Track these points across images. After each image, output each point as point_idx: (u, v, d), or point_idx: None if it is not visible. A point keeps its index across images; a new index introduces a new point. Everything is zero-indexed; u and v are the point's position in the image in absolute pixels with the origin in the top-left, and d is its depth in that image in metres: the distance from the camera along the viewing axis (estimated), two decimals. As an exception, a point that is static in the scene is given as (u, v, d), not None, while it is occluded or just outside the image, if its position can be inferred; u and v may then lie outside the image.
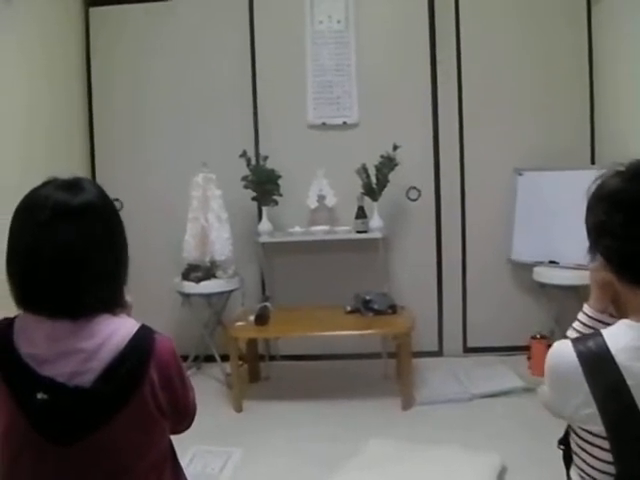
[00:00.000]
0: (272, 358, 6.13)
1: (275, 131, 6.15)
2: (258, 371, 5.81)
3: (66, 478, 1.77)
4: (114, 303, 1.89)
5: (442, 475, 3.95)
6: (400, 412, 5.06)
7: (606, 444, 1.73)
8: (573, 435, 1.91)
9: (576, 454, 1.91)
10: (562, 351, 1.80)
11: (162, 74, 6.25)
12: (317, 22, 6.12)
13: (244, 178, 5.78)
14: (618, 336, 1.75)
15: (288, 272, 6.20)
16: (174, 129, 6.23)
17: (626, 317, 1.81)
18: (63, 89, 5.93)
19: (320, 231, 5.88)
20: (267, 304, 5.33)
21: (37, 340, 1.78)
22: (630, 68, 5.22)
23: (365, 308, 5.41)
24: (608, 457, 1.74)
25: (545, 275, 5.69)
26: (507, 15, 6.00)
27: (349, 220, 5.92)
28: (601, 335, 1.77)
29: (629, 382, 1.68)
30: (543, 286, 5.79)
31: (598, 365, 1.72)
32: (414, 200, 6.10)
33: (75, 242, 1.78)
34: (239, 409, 5.14)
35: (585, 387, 1.72)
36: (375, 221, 5.79)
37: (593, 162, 5.92)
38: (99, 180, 6.25)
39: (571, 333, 1.97)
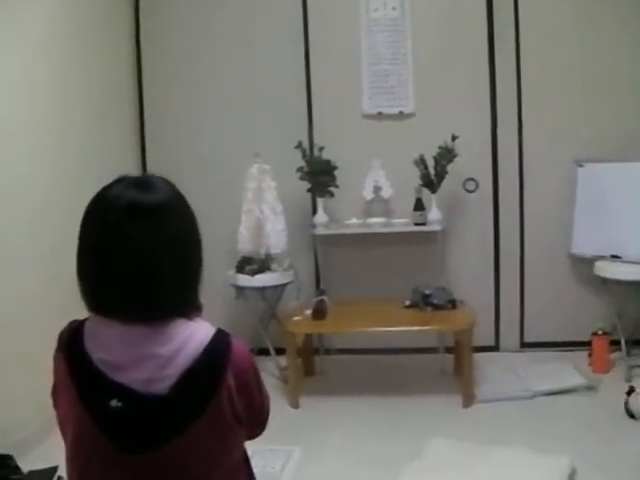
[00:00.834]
0: (326, 352, 6.04)
1: (329, 121, 6.05)
2: (313, 365, 5.73)
3: None
4: (190, 306, 1.80)
5: (512, 477, 3.84)
6: (460, 410, 4.96)
7: None
8: None
9: None
10: None
11: (214, 63, 6.17)
12: (372, 10, 6.00)
13: (299, 169, 5.70)
14: None
15: (343, 265, 6.10)
16: (227, 119, 6.16)
17: None
18: (114, 78, 5.90)
19: (377, 223, 5.78)
20: (324, 298, 5.23)
21: (110, 345, 1.70)
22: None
23: (424, 303, 5.30)
24: None
25: (607, 270, 5.55)
26: (567, 1, 5.84)
27: (405, 212, 5.81)
28: None
29: None
30: (605, 281, 5.63)
31: None
32: (471, 192, 5.97)
33: (150, 243, 1.68)
34: (296, 405, 5.06)
35: None
36: (433, 213, 5.68)
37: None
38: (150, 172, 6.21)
39: None
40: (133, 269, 1.68)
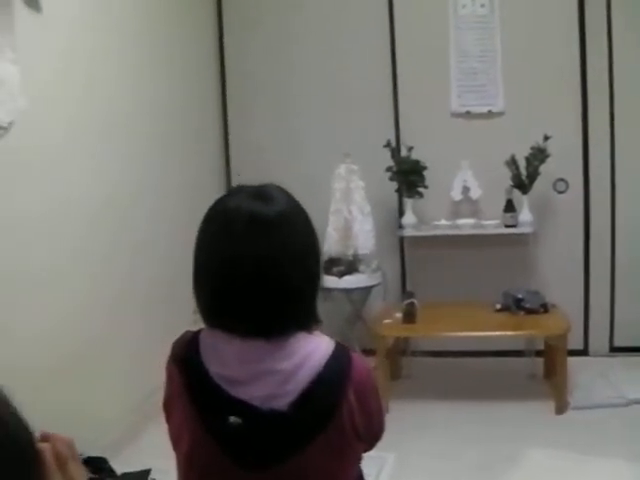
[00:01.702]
0: (412, 354, 5.97)
1: (417, 120, 5.96)
2: (400, 368, 5.66)
3: None
4: (310, 319, 1.75)
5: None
6: (553, 416, 4.85)
7: None
8: None
9: None
10: None
11: (300, 62, 6.13)
12: (460, 6, 5.90)
13: (389, 169, 5.62)
14: None
15: (431, 267, 6.02)
16: (313, 119, 6.12)
17: None
18: (197, 78, 5.92)
19: (467, 225, 5.69)
20: (414, 301, 5.15)
21: (228, 360, 1.66)
22: None
23: (516, 306, 5.20)
24: None
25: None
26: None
27: (494, 213, 5.71)
28: None
29: None
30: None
31: None
32: (562, 192, 5.84)
33: (272, 256, 1.64)
34: (385, 409, 5.00)
35: None
36: (525, 215, 5.57)
37: None
38: (234, 169, 6.22)
39: None
40: (256, 282, 1.64)
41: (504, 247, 5.86)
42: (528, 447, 4.29)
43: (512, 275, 5.75)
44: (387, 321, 5.18)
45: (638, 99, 5.72)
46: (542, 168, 5.52)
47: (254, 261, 1.63)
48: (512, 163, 5.50)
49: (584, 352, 5.99)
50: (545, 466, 4.07)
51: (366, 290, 5.66)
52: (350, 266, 5.50)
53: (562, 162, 5.74)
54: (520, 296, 5.22)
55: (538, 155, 5.45)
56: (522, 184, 5.53)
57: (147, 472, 4.03)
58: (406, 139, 5.87)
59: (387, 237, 5.95)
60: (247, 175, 5.82)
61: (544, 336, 5.25)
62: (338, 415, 1.65)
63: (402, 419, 4.90)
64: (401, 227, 5.82)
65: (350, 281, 5.47)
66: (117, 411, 4.49)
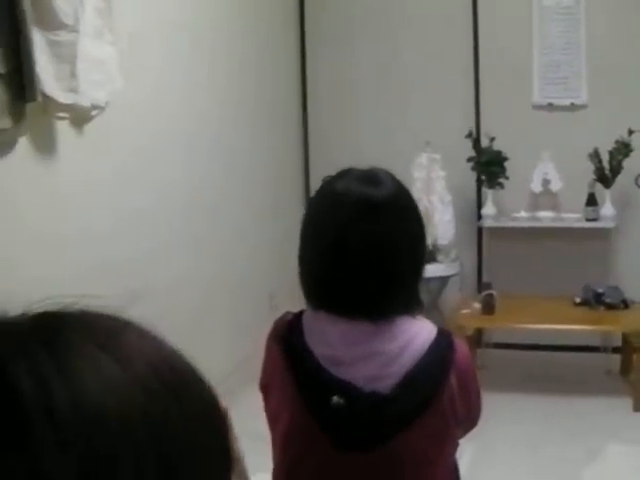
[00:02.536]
0: (487, 346, 5.95)
1: (498, 111, 5.92)
2: (475, 359, 5.65)
3: None
4: (414, 303, 1.78)
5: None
6: (631, 414, 4.80)
7: None
8: None
9: None
10: None
11: (380, 51, 6.11)
12: (545, -3, 5.85)
13: (470, 159, 5.61)
14: None
15: (509, 258, 5.98)
16: (393, 107, 6.11)
17: None
18: (277, 65, 5.95)
19: (548, 217, 5.65)
20: (492, 292, 5.14)
21: (332, 341, 1.68)
22: None
23: (596, 301, 5.15)
24: None
25: None
26: None
27: (574, 206, 5.65)
28: None
29: None
30: None
31: None
32: (644, 188, 5.77)
33: (381, 240, 1.66)
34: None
35: None
36: (607, 209, 5.51)
37: None
38: (312, 161, 6.25)
39: None
40: (365, 265, 1.66)
41: (584, 241, 5.80)
42: (607, 443, 4.27)
43: (592, 269, 5.69)
44: (465, 311, 5.18)
45: None
46: (625, 162, 5.45)
47: (363, 244, 1.66)
48: (595, 156, 5.45)
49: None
50: (625, 463, 4.04)
51: (443, 280, 5.64)
52: (429, 255, 5.49)
53: (644, 157, 5.67)
54: (600, 291, 5.17)
55: (622, 149, 5.38)
56: (605, 178, 5.47)
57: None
58: (487, 130, 5.84)
59: (465, 227, 5.92)
60: (327, 162, 5.85)
61: (624, 332, 5.19)
62: (439, 399, 1.67)
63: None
64: (480, 218, 5.80)
65: (429, 270, 5.44)
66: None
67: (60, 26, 3.17)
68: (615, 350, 5.50)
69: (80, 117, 3.49)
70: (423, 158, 5.51)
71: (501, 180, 5.65)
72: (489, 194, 5.76)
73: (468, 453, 4.26)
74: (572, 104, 5.83)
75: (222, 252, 4.85)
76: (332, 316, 1.69)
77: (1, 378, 0.48)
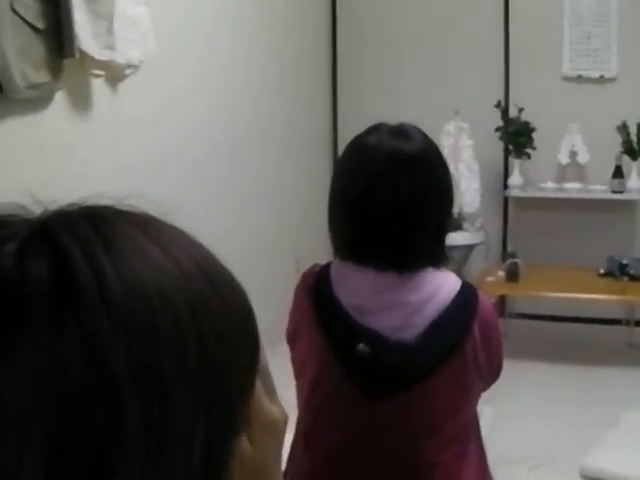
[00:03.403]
0: (510, 316, 5.99)
1: (527, 81, 5.93)
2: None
3: (376, 432, 1.74)
4: (439, 256, 1.82)
5: None
6: (652, 384, 4.85)
7: None
8: None
9: None
10: None
11: (411, 14, 6.12)
12: (578, -31, 5.83)
13: (498, 129, 5.63)
14: None
15: (534, 228, 6.00)
16: (422, 74, 6.12)
17: None
18: (308, 32, 5.98)
19: (574, 188, 5.67)
20: (517, 260, 5.18)
21: (360, 290, 1.73)
22: None
23: (620, 272, 5.18)
24: None
25: None
26: None
27: (600, 178, 5.67)
28: None
29: None
30: None
31: None
32: (670, 161, 5.77)
33: (410, 193, 1.70)
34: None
35: None
36: (633, 181, 5.52)
37: None
38: (340, 123, 6.28)
39: None
40: (393, 216, 1.70)
41: (610, 213, 5.82)
42: (626, 411, 4.30)
43: (617, 241, 5.71)
44: (490, 279, 5.22)
45: None
46: (649, 135, 5.47)
47: (393, 197, 1.70)
48: (623, 129, 5.46)
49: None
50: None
51: (468, 248, 5.68)
52: (454, 223, 5.53)
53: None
54: (625, 262, 5.20)
55: (650, 122, 5.40)
56: (632, 150, 5.48)
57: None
58: (516, 100, 5.85)
59: (491, 197, 5.94)
60: (355, 125, 5.88)
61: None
62: (462, 349, 1.71)
63: (501, 376, 4.94)
64: (507, 187, 5.83)
65: (454, 238, 5.49)
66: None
67: (98, -17, 3.23)
68: (638, 323, 5.53)
69: (115, 75, 3.57)
70: (451, 126, 5.54)
71: (528, 150, 5.67)
72: (516, 164, 5.78)
73: (488, 416, 4.32)
74: (602, 77, 5.83)
75: (245, 207, 4.91)
76: (359, 266, 1.74)
77: (54, 248, 0.52)
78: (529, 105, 5.73)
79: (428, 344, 1.69)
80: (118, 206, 0.59)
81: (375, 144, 1.74)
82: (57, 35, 3.04)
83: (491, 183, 5.96)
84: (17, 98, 2.90)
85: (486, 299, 1.82)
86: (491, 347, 1.80)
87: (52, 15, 3.00)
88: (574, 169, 5.79)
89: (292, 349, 1.88)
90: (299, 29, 5.74)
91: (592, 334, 5.72)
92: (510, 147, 5.74)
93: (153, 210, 0.61)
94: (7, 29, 2.76)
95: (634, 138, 5.46)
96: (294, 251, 5.40)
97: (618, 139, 5.51)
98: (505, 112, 5.74)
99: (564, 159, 5.74)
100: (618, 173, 5.55)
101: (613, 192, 5.58)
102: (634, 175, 5.53)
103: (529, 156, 5.68)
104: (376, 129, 1.80)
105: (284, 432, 0.73)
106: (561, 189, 5.74)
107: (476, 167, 5.53)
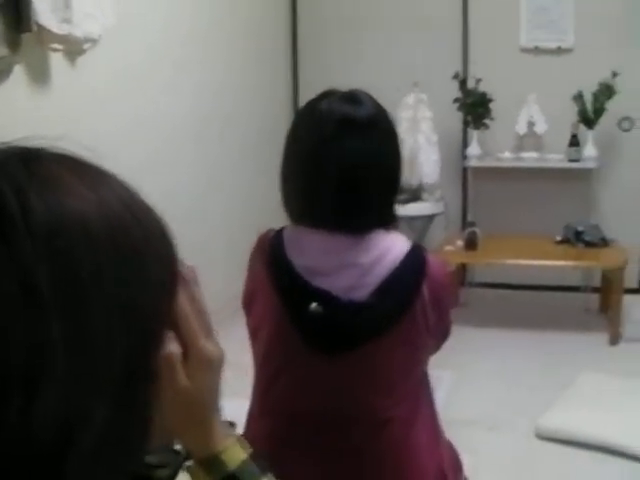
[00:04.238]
0: (470, 285, 6.09)
1: (485, 53, 6.01)
2: (458, 297, 5.79)
3: (332, 388, 1.80)
4: (389, 218, 1.87)
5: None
6: (607, 347, 4.98)
7: None
8: None
9: None
10: None
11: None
12: (535, -59, 5.89)
13: (456, 100, 5.71)
14: None
15: (494, 198, 6.11)
16: (382, 46, 6.18)
17: None
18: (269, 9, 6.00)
19: (531, 158, 5.77)
20: (475, 229, 5.27)
21: (312, 252, 1.78)
22: None
23: (576, 239, 5.29)
24: None
25: None
26: None
27: (558, 148, 5.77)
28: None
29: None
30: None
31: None
32: (627, 130, 5.87)
33: (361, 155, 1.75)
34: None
35: None
36: (589, 150, 5.63)
37: None
38: (303, 100, 6.31)
39: None
40: (344, 180, 1.75)
41: (567, 181, 5.93)
42: (581, 373, 4.41)
43: (574, 209, 5.82)
44: (449, 248, 5.31)
45: None
46: (609, 105, 5.55)
47: (343, 161, 1.75)
48: (579, 98, 5.55)
49: (639, 290, 6.06)
50: (596, 389, 4.19)
51: (428, 218, 5.77)
52: (414, 194, 5.62)
53: (628, 100, 5.74)
54: (580, 229, 5.31)
55: (605, 91, 5.48)
56: (588, 119, 5.58)
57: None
58: (475, 72, 5.92)
59: (451, 167, 6.04)
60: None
61: (602, 267, 5.34)
62: (412, 308, 1.77)
63: (459, 344, 5.00)
64: (465, 158, 5.92)
65: (414, 209, 5.60)
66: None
67: (55, -43, 3.25)
68: (595, 290, 5.65)
69: (73, 49, 3.59)
70: (410, 98, 5.60)
71: (486, 121, 5.76)
72: (474, 135, 5.87)
73: (447, 381, 4.42)
74: (559, 47, 5.91)
75: (211, 181, 4.96)
76: (311, 229, 1.79)
77: None
78: (487, 76, 5.80)
79: (378, 303, 1.75)
80: (50, 148, 0.65)
81: (326, 109, 1.79)
82: (15, 9, 3.06)
83: (450, 154, 6.05)
84: (-25, 72, 2.92)
85: (436, 260, 1.88)
86: (440, 306, 1.85)
87: (9, -11, 3.02)
88: (532, 139, 5.87)
89: (248, 314, 1.92)
90: (261, 3, 5.76)
91: (551, 301, 5.85)
92: (468, 118, 5.80)
93: (86, 154, 0.67)
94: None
95: (590, 107, 5.55)
96: (259, 222, 5.43)
97: (575, 109, 5.61)
98: (463, 83, 5.81)
99: (522, 129, 5.82)
100: (574, 142, 5.65)
101: (570, 161, 5.69)
102: (590, 144, 5.63)
103: (487, 127, 5.77)
104: (328, 95, 1.85)
105: (220, 369, 0.79)
106: (519, 158, 5.84)
107: (435, 138, 5.61)
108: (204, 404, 0.80)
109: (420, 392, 1.92)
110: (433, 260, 1.86)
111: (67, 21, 3.35)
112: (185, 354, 0.74)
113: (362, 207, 1.79)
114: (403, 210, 5.48)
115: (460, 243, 5.28)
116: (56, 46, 3.42)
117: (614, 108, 5.62)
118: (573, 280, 5.84)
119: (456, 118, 5.86)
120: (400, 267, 1.77)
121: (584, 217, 5.65)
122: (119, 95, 4.00)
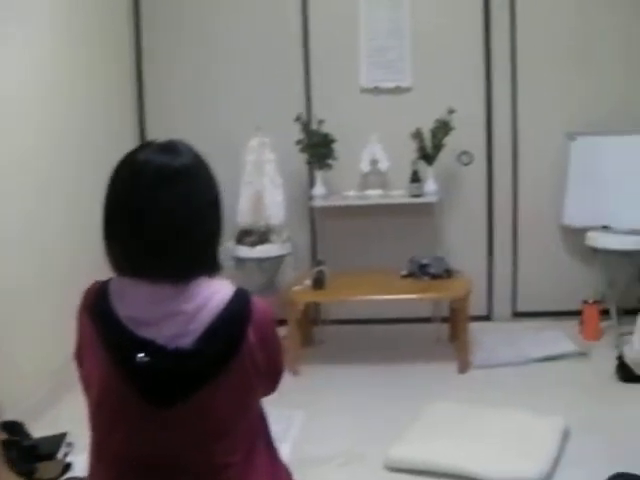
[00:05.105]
0: (324, 322, 6.14)
1: (327, 95, 6.13)
2: (311, 336, 5.84)
3: (165, 440, 1.78)
4: (212, 266, 1.88)
5: (508, 436, 3.97)
6: (457, 375, 5.10)
7: None
8: None
9: None
10: None
11: (213, 33, 6.21)
12: (371, -17, 6.07)
13: (299, 142, 5.79)
14: None
15: (341, 236, 6.21)
16: (225, 92, 6.21)
17: None
18: (110, 41, 5.96)
19: (375, 195, 5.90)
20: (323, 268, 5.34)
21: (136, 303, 1.78)
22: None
23: (421, 272, 5.42)
24: None
25: (597, 240, 5.66)
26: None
27: (402, 184, 5.92)
28: None
29: None
30: (595, 251, 5.75)
31: None
32: (466, 164, 6.08)
33: (178, 207, 1.76)
34: (296, 372, 5.17)
35: None
36: (429, 185, 5.80)
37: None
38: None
39: None
40: (162, 230, 1.76)
41: (411, 216, 6.09)
42: (431, 402, 4.49)
43: (419, 243, 5.98)
44: (297, 288, 5.35)
45: (539, 74, 6.01)
46: (447, 141, 5.76)
47: (160, 212, 1.75)
48: (417, 135, 5.73)
49: (488, 317, 6.26)
50: (444, 417, 4.28)
51: (278, 260, 5.82)
52: (262, 236, 5.66)
53: (467, 135, 5.97)
54: (425, 262, 5.45)
55: (442, 128, 5.68)
56: (427, 156, 5.76)
57: (63, 435, 4.06)
58: (317, 113, 6.03)
59: (298, 208, 6.13)
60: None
61: (447, 298, 5.48)
62: (239, 352, 1.78)
63: (312, 381, 5.07)
64: (311, 198, 5.99)
65: (262, 251, 5.63)
66: (37, 376, 4.55)
67: None
68: (445, 320, 5.79)
69: None
70: (254, 142, 5.65)
71: (329, 161, 5.86)
72: (319, 175, 5.96)
73: (299, 421, 4.44)
74: (397, 87, 6.09)
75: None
76: (136, 281, 1.79)
77: None
78: (330, 117, 5.92)
79: (204, 349, 1.75)
80: None
81: (143, 160, 1.79)
82: None
83: (297, 194, 6.12)
84: None
85: (261, 302, 1.89)
86: (268, 347, 1.87)
87: None
88: (376, 177, 6.01)
89: (80, 368, 1.90)
90: (104, 45, 5.73)
91: (403, 333, 5.99)
92: (312, 159, 5.89)
93: None
94: None
95: (428, 144, 5.73)
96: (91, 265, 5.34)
97: (415, 146, 5.77)
98: (307, 125, 5.89)
99: (365, 167, 5.95)
100: (415, 178, 5.82)
101: (412, 196, 5.84)
102: (430, 179, 5.81)
103: (330, 167, 5.88)
104: (146, 146, 1.86)
105: None
106: (363, 196, 5.96)
107: (279, 180, 5.67)
108: None
109: (257, 434, 1.92)
110: (257, 302, 1.87)
111: None
112: None
113: (182, 258, 1.79)
114: (252, 252, 5.53)
115: (308, 282, 5.33)
116: None
117: (453, 143, 5.82)
118: (424, 312, 5.97)
119: (301, 159, 5.93)
120: (224, 312, 1.78)
121: (429, 250, 5.79)
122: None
